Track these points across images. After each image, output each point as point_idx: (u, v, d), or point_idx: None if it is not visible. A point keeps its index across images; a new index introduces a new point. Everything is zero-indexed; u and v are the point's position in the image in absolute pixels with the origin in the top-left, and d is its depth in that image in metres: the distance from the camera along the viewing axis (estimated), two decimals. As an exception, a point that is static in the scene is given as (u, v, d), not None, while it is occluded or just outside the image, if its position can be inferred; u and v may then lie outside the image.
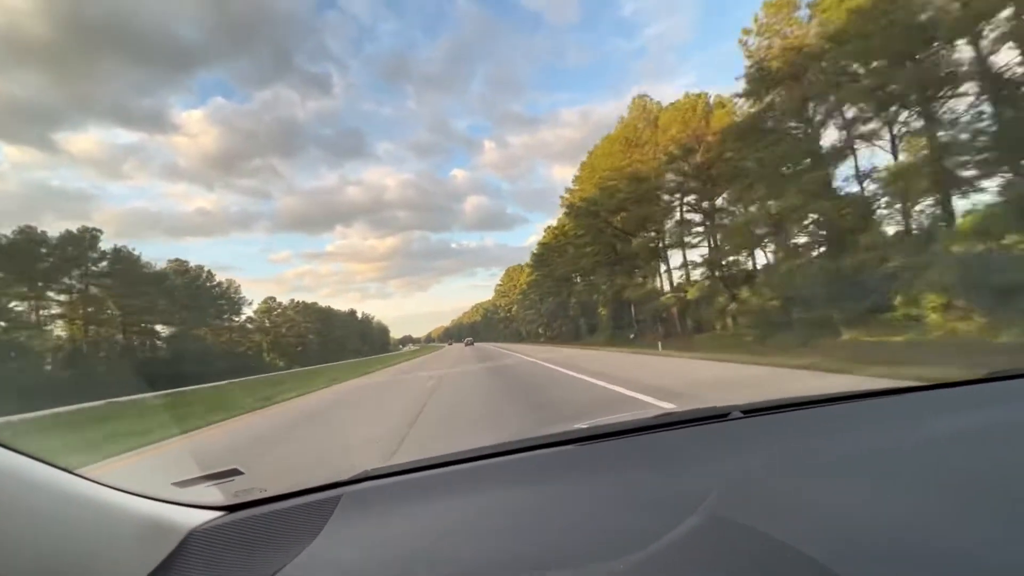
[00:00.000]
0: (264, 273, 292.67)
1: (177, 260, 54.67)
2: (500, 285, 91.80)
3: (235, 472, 1.15)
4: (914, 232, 15.00)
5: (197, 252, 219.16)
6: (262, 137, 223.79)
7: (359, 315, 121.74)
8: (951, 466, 0.90)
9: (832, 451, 1.05)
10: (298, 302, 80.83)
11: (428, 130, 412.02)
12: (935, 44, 13.46)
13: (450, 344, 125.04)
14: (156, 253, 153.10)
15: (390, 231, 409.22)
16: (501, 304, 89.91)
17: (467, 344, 77.94)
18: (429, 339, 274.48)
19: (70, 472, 0.72)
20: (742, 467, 1.00)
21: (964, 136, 12.89)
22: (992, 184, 12.50)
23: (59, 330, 40.56)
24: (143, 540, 0.78)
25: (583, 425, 1.36)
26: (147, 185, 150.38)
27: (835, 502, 0.79)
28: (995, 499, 0.74)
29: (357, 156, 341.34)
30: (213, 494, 1.06)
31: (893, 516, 0.71)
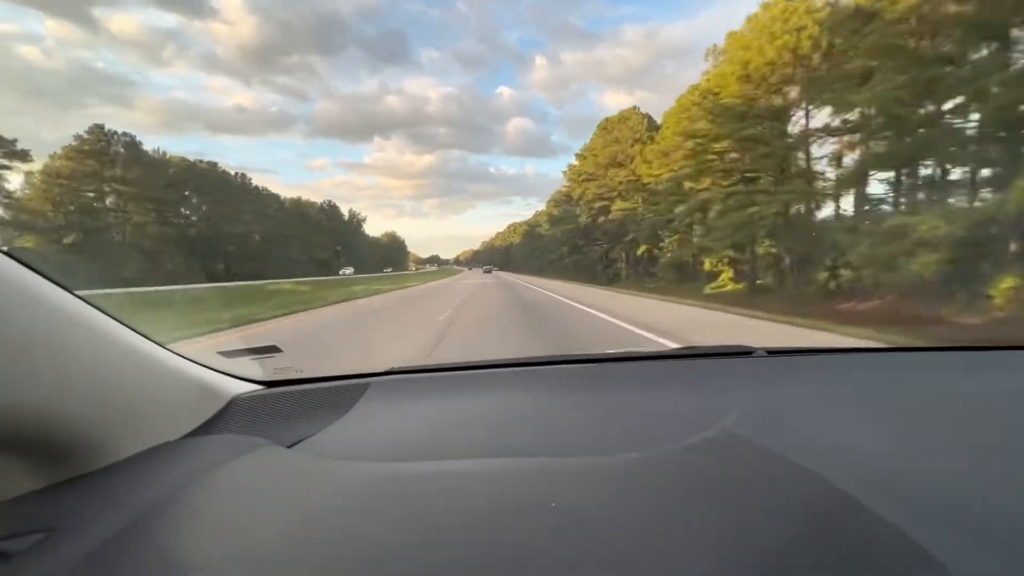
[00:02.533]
0: (301, 179, 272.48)
1: None
2: (580, 160, 38.09)
3: (274, 349, 1.22)
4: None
5: (236, 152, 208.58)
6: (300, 31, 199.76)
7: (346, 214, 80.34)
8: (968, 421, 0.88)
9: (852, 394, 1.07)
10: (107, 131, 34.34)
11: (476, 39, 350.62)
12: None
13: (470, 269, 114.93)
14: (196, 148, 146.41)
15: (428, 148, 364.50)
16: (584, 195, 35.62)
17: (485, 272, 57.81)
18: (458, 262, 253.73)
19: (133, 329, 0.77)
20: (762, 397, 1.02)
21: None
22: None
23: None
24: (193, 398, 0.86)
25: (609, 351, 1.40)
26: (186, 75, 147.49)
27: (850, 437, 0.78)
28: (1009, 458, 0.73)
29: (399, 62, 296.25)
30: (255, 369, 1.13)
31: (907, 455, 0.71)
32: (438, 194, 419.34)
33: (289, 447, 0.81)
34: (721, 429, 0.79)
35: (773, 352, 1.32)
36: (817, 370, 1.28)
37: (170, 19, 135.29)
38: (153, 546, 0.50)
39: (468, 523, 0.54)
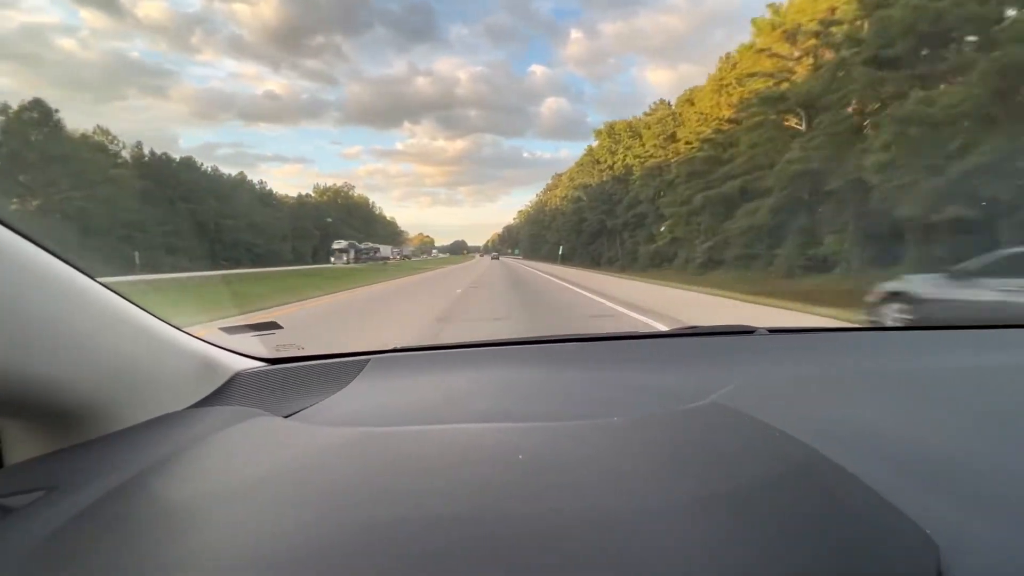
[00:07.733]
0: (336, 167, 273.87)
1: None
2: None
3: (275, 325, 1.25)
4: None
5: (273, 141, 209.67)
6: (323, 9, 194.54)
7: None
8: (966, 398, 0.86)
9: (853, 371, 1.06)
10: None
11: (507, 10, 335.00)
12: None
13: (480, 256, 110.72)
14: (232, 138, 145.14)
15: (460, 132, 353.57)
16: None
17: (493, 258, 53.57)
18: (486, 248, 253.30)
19: (139, 307, 0.79)
20: (759, 373, 1.01)
21: None
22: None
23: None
24: (196, 373, 0.89)
25: (609, 331, 1.51)
26: (216, 61, 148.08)
27: (847, 412, 0.77)
28: (1008, 434, 0.70)
29: (426, 40, 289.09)
30: (258, 346, 1.16)
31: (906, 431, 0.69)
32: (472, 181, 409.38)
33: (286, 418, 0.83)
34: (712, 401, 0.78)
35: (775, 331, 1.32)
36: (818, 348, 1.28)
37: (193, 1, 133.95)
38: (144, 502, 0.53)
39: (430, 471, 0.56)
